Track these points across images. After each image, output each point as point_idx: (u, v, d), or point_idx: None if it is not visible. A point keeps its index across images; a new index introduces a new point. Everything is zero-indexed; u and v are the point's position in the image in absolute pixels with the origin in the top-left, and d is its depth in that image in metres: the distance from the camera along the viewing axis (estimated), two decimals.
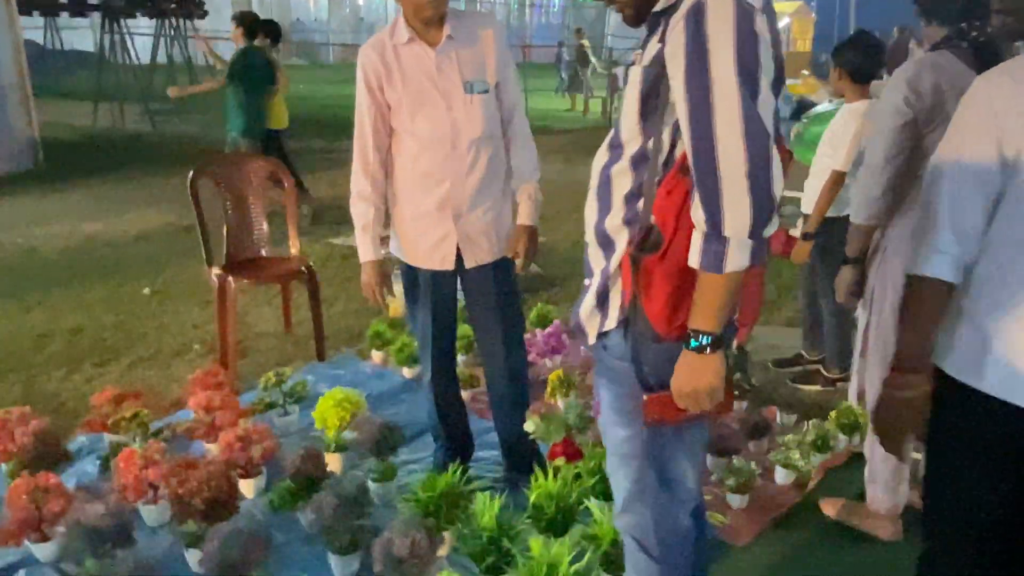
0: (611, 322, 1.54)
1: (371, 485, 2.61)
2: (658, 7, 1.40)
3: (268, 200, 4.05)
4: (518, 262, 2.60)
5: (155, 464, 2.55)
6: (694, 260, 1.32)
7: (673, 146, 1.41)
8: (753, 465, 2.70)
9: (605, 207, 1.54)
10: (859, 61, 3.35)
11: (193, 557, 2.34)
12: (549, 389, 3.37)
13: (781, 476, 2.80)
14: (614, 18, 28.43)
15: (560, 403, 3.25)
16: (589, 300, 1.59)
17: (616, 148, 1.52)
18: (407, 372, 3.74)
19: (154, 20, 15.48)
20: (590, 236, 1.60)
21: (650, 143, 1.43)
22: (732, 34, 1.24)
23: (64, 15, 16.95)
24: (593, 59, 18.52)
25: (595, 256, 1.59)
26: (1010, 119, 1.24)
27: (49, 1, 15.14)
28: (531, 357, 3.69)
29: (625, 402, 1.57)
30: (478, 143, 2.42)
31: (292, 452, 2.66)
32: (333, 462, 2.84)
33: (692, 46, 1.27)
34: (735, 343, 1.54)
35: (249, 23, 6.54)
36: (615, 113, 16.05)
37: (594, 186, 1.57)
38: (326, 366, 3.90)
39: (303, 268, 3.87)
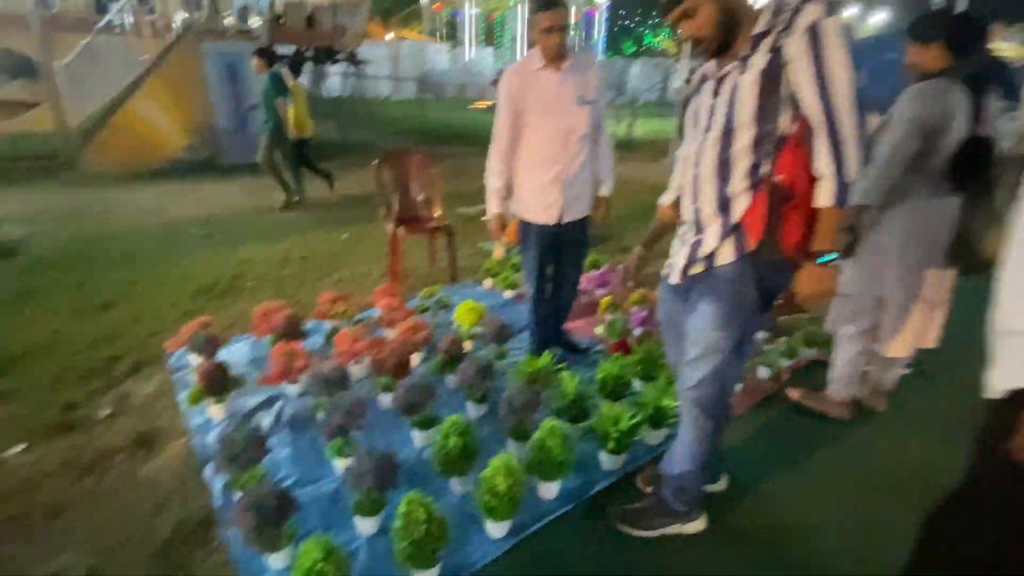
0: (727, 256, 1.44)
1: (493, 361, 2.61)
2: (757, 30, 1.32)
3: (422, 181, 4.00)
4: (598, 216, 2.57)
5: (360, 340, 2.59)
6: (825, 200, 1.29)
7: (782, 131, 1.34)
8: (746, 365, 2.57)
9: (724, 181, 1.42)
10: None
11: (384, 399, 2.38)
12: (601, 308, 3.28)
13: (763, 372, 2.67)
14: (636, 69, 27.21)
15: (608, 318, 3.17)
16: (708, 245, 1.47)
17: (727, 137, 1.39)
18: (508, 293, 3.69)
19: (342, 64, 15.49)
20: (708, 204, 1.46)
21: (768, 128, 1.34)
22: (841, 44, 1.23)
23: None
24: None
25: (710, 218, 1.46)
26: None
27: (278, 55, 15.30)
28: (587, 288, 3.61)
29: (726, 310, 1.46)
30: (583, 138, 2.33)
31: (440, 338, 2.66)
32: (466, 346, 2.84)
33: (814, 53, 1.24)
34: None
35: (266, 56, 5.66)
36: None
37: (709, 169, 1.43)
38: (456, 287, 3.89)
39: (444, 225, 3.84)
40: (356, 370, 2.62)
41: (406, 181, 3.94)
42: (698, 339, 1.54)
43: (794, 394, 2.51)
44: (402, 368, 2.37)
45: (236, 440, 1.81)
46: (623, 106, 16.80)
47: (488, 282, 3.90)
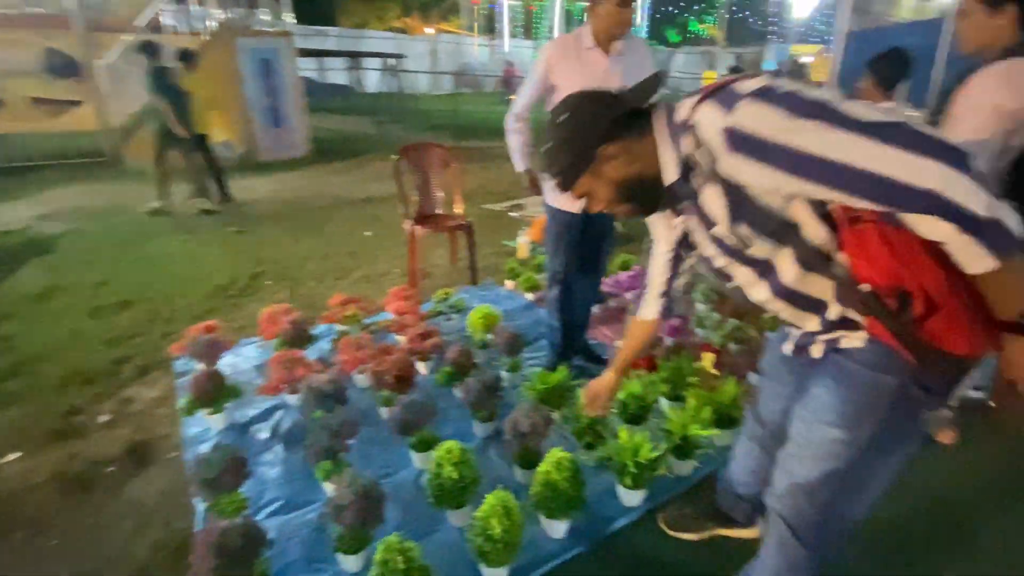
0: (859, 342, 0.99)
1: (503, 374, 2.39)
2: (671, 178, 1.00)
3: (443, 177, 3.81)
4: None
5: (364, 348, 2.42)
6: (980, 265, 0.75)
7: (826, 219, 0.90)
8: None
9: (816, 310, 1.02)
10: (887, 72, 2.67)
11: (384, 413, 2.20)
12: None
13: None
14: (680, 58, 26.27)
15: None
16: (822, 338, 1.06)
17: (766, 270, 1.01)
18: (529, 296, 3.46)
19: (379, 61, 15.51)
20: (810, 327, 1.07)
21: (803, 235, 0.92)
22: (773, 111, 0.79)
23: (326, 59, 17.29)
24: None
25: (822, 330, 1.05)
26: None
27: (317, 51, 15.42)
28: (616, 290, 3.33)
29: (850, 407, 1.03)
30: None
31: (452, 346, 2.46)
32: (478, 356, 2.63)
33: (762, 153, 0.81)
34: None
35: (149, 50, 5.28)
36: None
37: (783, 307, 1.04)
38: (476, 289, 3.68)
39: (465, 223, 3.64)
40: (362, 379, 2.46)
41: (426, 177, 3.76)
42: (803, 433, 1.12)
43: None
44: (405, 381, 2.18)
45: (213, 463, 1.66)
46: (665, 98, 16.14)
47: (509, 283, 3.67)
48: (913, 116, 1.67)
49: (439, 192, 3.79)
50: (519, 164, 2.31)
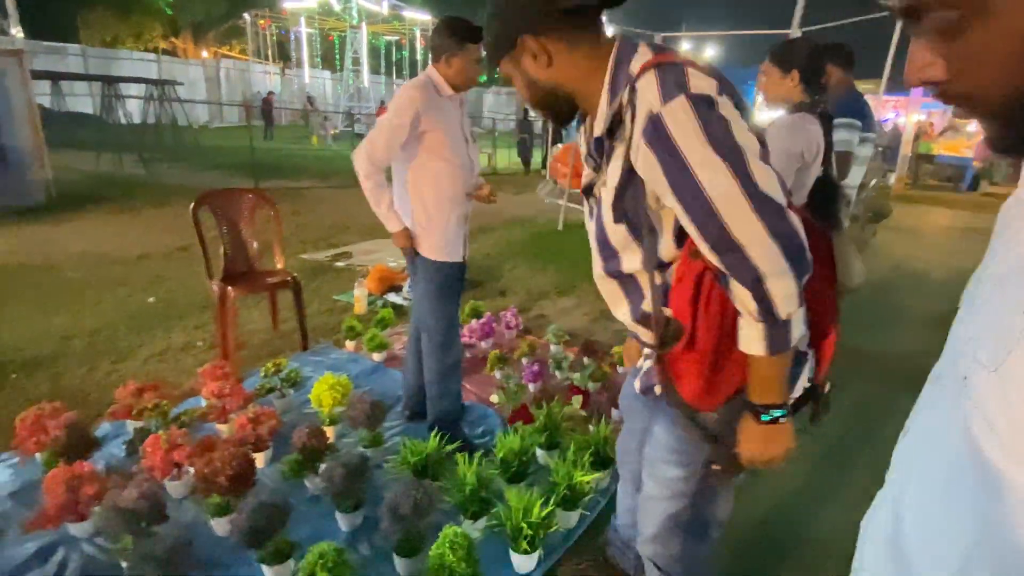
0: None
1: (365, 452, 2.28)
2: (599, 131, 1.01)
3: (256, 227, 3.56)
4: None
5: (179, 447, 2.12)
6: (757, 348, 0.93)
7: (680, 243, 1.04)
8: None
9: (633, 299, 1.13)
10: None
11: (219, 525, 1.95)
12: (488, 366, 3.11)
13: None
14: (490, 98, 28.31)
15: (497, 374, 3.01)
16: (644, 365, 1.24)
17: (610, 255, 1.12)
18: (376, 357, 3.36)
19: (143, 86, 14.00)
20: (632, 325, 1.17)
21: (658, 245, 1.04)
22: (699, 129, 0.87)
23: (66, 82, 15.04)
24: None
25: (647, 336, 1.15)
26: None
27: (56, 73, 13.38)
28: (472, 340, 3.43)
29: (683, 444, 1.18)
30: (475, 172, 2.39)
31: (292, 427, 2.27)
32: (328, 433, 2.47)
33: (666, 157, 0.89)
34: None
35: None
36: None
37: (614, 289, 1.16)
38: (309, 354, 3.46)
39: (289, 278, 3.43)
40: (177, 488, 2.14)
41: (235, 228, 3.48)
42: (654, 473, 1.27)
43: None
44: (242, 480, 1.96)
45: None
46: (482, 136, 17.25)
47: (350, 344, 3.53)
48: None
49: (253, 244, 3.53)
50: (395, 223, 2.26)
